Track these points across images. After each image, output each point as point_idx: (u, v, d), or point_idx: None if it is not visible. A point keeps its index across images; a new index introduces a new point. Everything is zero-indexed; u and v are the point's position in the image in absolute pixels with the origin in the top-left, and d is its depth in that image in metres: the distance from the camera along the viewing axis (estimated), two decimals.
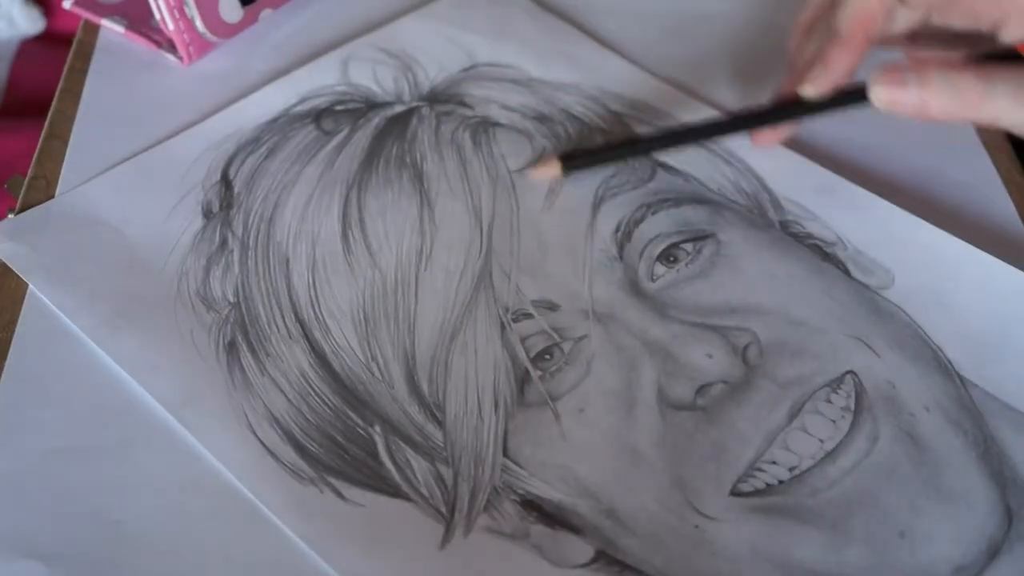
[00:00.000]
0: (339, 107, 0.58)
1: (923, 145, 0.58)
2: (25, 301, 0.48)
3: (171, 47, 0.62)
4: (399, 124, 0.57)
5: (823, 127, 0.56)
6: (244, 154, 0.56)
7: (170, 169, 0.55)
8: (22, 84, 0.81)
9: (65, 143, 0.57)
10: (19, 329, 0.47)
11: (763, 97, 0.57)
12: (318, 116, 0.58)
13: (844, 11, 0.49)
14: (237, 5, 0.62)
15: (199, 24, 0.60)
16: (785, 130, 0.54)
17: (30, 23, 0.82)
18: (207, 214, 0.53)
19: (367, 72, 0.61)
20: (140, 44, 0.63)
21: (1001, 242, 0.52)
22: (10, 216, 0.52)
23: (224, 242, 0.51)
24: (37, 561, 0.40)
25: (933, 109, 0.46)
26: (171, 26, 0.59)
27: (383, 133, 0.56)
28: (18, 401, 0.45)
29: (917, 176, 0.56)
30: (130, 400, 0.45)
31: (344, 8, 0.66)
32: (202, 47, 0.62)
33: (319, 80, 0.60)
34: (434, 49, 0.62)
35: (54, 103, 0.59)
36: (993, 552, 0.41)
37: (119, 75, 0.62)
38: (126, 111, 0.59)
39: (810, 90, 0.49)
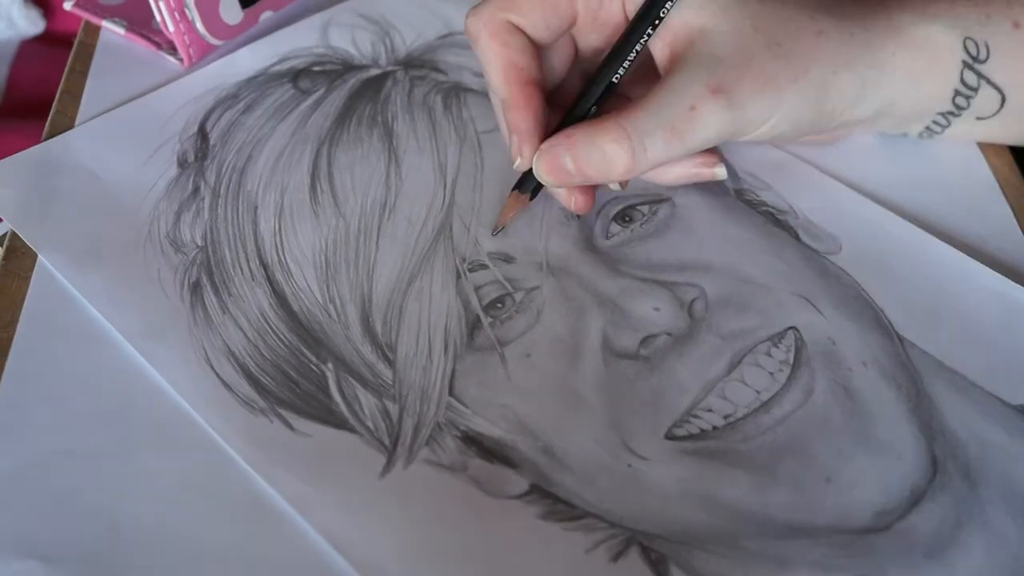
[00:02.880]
0: (317, 68, 0.60)
1: (920, 149, 0.58)
2: (25, 302, 0.49)
3: (171, 49, 0.62)
4: (373, 86, 0.59)
5: None
6: (222, 108, 0.58)
7: (150, 121, 0.57)
8: (22, 85, 0.81)
9: None
10: (19, 330, 0.47)
11: None
12: (296, 75, 0.60)
13: (489, 73, 0.50)
14: (237, 7, 0.62)
15: (199, 26, 0.60)
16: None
17: (29, 24, 0.81)
18: (182, 163, 0.55)
19: (346, 36, 0.63)
20: (140, 45, 0.63)
21: (999, 249, 0.53)
22: None
23: (196, 189, 0.53)
24: (35, 561, 0.39)
25: (594, 177, 0.47)
26: (171, 28, 0.60)
27: (357, 94, 0.58)
28: (18, 402, 0.45)
29: (914, 180, 0.57)
30: (130, 401, 0.45)
31: None
32: (202, 49, 0.62)
33: (299, 42, 0.62)
34: (412, 17, 0.64)
35: (55, 104, 0.59)
36: (916, 499, 0.42)
37: (119, 76, 0.61)
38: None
39: (519, 163, 0.49)
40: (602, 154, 0.46)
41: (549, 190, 0.51)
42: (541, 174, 0.48)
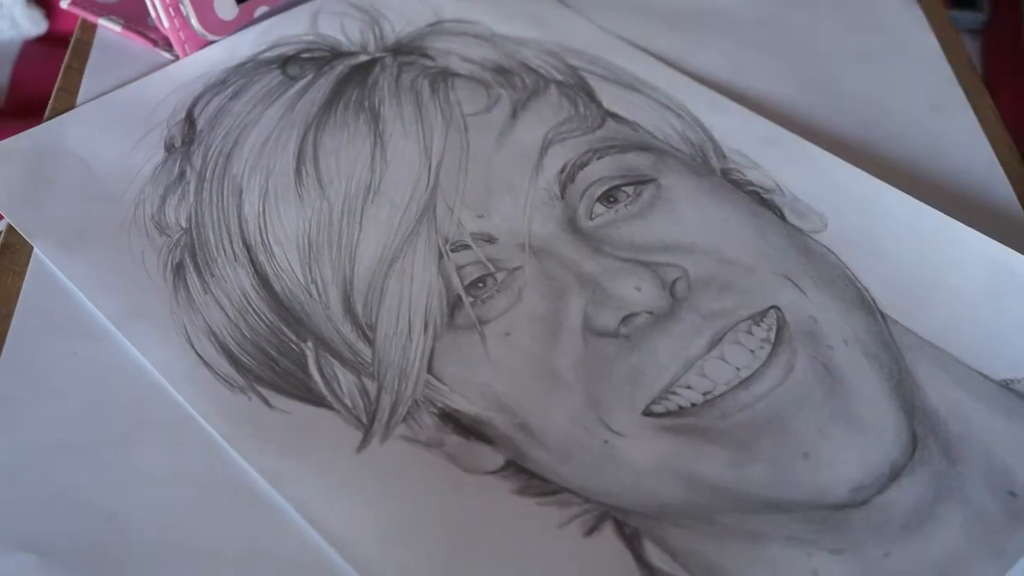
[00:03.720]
0: (305, 55, 0.61)
1: (923, 131, 0.58)
2: (20, 296, 0.49)
3: (167, 45, 0.62)
4: (361, 72, 0.59)
5: (824, 114, 0.58)
6: (210, 95, 0.58)
7: (138, 107, 0.57)
8: (25, 85, 0.81)
9: None
10: (14, 324, 0.48)
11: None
12: (284, 62, 0.60)
13: None
14: (232, 3, 0.62)
15: (194, 22, 0.60)
16: None
17: (32, 24, 0.82)
18: (169, 148, 0.55)
19: (335, 24, 0.63)
20: (136, 42, 0.63)
21: (1002, 229, 0.53)
22: None
23: (183, 174, 0.53)
24: (31, 554, 0.40)
25: None
26: (166, 24, 0.60)
27: (345, 79, 0.58)
28: (13, 395, 0.45)
29: (917, 165, 0.57)
30: (125, 395, 0.45)
31: None
32: (198, 45, 0.62)
33: (288, 29, 0.62)
34: (402, 5, 0.64)
35: (51, 102, 0.59)
36: (894, 475, 0.42)
37: (116, 74, 0.61)
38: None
39: None
40: None
41: None
42: None
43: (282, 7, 0.66)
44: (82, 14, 0.65)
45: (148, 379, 0.46)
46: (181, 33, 0.61)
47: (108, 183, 0.53)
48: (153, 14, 0.60)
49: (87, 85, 0.61)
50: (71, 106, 0.59)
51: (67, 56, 0.63)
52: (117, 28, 0.64)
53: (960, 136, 0.59)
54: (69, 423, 0.44)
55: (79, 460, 0.43)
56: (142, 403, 0.45)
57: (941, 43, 0.65)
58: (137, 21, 0.64)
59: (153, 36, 0.63)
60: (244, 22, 0.64)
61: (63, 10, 0.67)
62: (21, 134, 0.56)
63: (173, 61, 0.62)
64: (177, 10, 0.60)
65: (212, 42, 0.62)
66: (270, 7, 0.65)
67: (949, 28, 0.67)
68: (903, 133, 0.59)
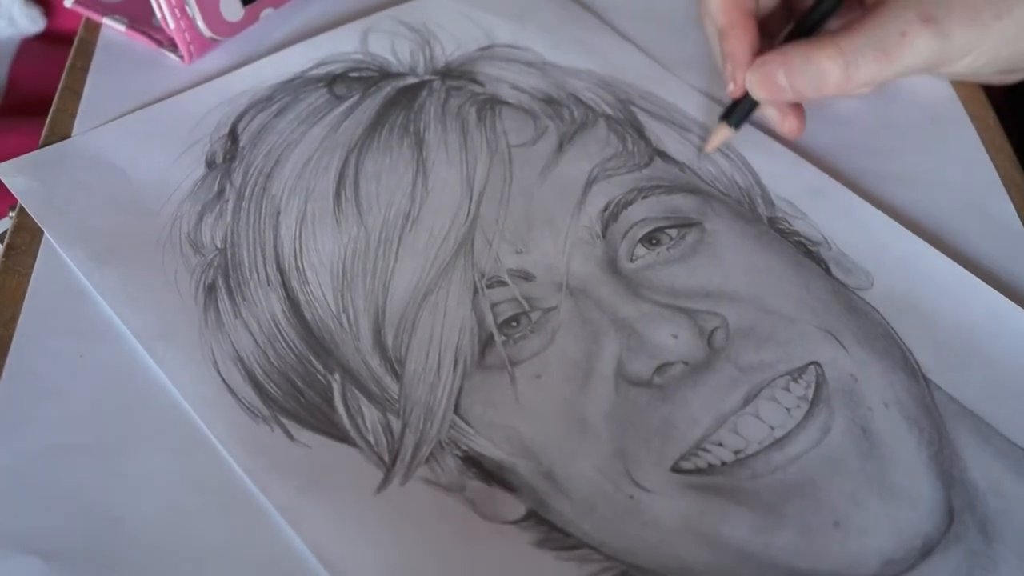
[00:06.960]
0: (353, 74, 0.60)
1: (923, 146, 0.58)
2: (26, 299, 0.49)
3: (172, 46, 0.62)
4: (408, 94, 0.58)
5: (824, 127, 0.57)
6: (255, 111, 0.57)
7: (182, 120, 0.57)
8: (22, 83, 0.80)
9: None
10: (20, 327, 0.47)
11: None
12: (332, 81, 0.59)
13: (709, 1, 0.55)
14: (238, 4, 0.62)
15: (200, 23, 0.60)
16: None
17: (30, 22, 0.80)
18: (210, 164, 0.54)
19: (386, 43, 0.62)
20: (141, 43, 0.63)
21: (1001, 243, 0.53)
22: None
23: (222, 191, 0.53)
24: (36, 557, 0.39)
25: (805, 91, 0.52)
26: (172, 25, 0.59)
27: (391, 102, 0.58)
28: (19, 398, 0.45)
29: (917, 177, 0.56)
30: (130, 397, 0.45)
31: (344, 7, 0.66)
32: (203, 46, 0.62)
33: (338, 47, 0.62)
34: (454, 27, 0.63)
35: (55, 101, 0.59)
36: (928, 550, 0.41)
37: (120, 74, 0.61)
38: (126, 110, 0.59)
39: (732, 89, 0.55)
40: (816, 69, 0.51)
41: (762, 111, 0.56)
42: (754, 88, 0.53)
43: (287, 9, 0.66)
44: (86, 13, 0.64)
45: (154, 382, 0.45)
46: (186, 34, 0.60)
47: (146, 197, 0.52)
48: (158, 14, 0.59)
49: (91, 85, 0.60)
50: (76, 106, 0.59)
51: (71, 55, 0.62)
52: (122, 28, 0.63)
53: (959, 148, 0.58)
54: (75, 425, 0.44)
55: (84, 463, 0.43)
56: (148, 406, 0.45)
57: None
58: (142, 21, 0.63)
59: (158, 36, 0.62)
60: (250, 23, 0.63)
61: (61, 8, 0.66)
62: (61, 143, 0.55)
63: (178, 62, 0.62)
64: (183, 11, 0.59)
65: (217, 43, 0.62)
66: (275, 9, 0.65)
67: None
68: (902, 145, 0.58)
